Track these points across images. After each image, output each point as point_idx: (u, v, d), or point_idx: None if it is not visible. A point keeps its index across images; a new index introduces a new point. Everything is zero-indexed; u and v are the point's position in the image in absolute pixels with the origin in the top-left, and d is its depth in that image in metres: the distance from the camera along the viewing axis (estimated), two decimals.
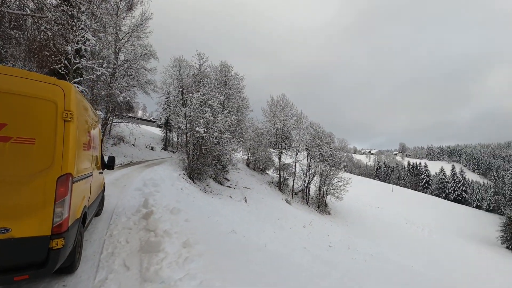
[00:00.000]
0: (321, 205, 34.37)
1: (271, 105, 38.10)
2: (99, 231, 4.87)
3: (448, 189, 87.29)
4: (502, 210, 57.07)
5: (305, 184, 35.17)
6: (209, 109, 18.37)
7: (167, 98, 35.38)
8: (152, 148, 34.47)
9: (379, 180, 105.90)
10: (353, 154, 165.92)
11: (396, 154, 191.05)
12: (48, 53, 9.24)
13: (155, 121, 51.69)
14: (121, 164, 19.18)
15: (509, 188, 60.42)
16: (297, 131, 37.41)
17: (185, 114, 19.01)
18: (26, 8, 7.48)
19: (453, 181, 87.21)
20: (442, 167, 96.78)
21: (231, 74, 27.79)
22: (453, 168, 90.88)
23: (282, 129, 36.76)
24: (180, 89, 22.85)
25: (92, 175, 4.16)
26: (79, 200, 3.21)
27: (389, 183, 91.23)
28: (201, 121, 18.26)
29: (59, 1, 8.97)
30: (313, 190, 36.26)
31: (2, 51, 9.33)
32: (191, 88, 21.96)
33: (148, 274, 3.12)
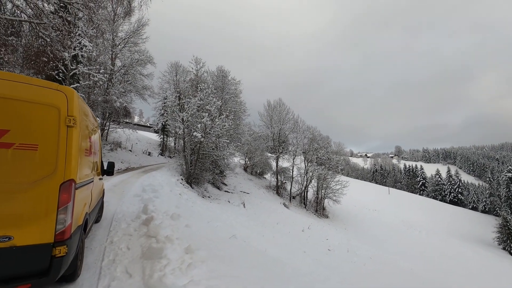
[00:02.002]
0: (319, 209, 34.34)
1: (268, 109, 38.24)
2: (100, 238, 4.81)
3: (444, 191, 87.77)
4: (498, 211, 57.45)
5: (303, 188, 35.16)
6: (207, 114, 18.37)
7: (164, 103, 35.38)
8: (149, 154, 34.28)
9: (376, 183, 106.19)
10: (350, 158, 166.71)
11: (392, 157, 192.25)
12: (45, 59, 9.21)
13: (152, 127, 51.53)
14: (119, 170, 19.04)
15: (504, 189, 60.95)
16: (294, 135, 37.57)
17: (182, 119, 18.98)
18: (24, 15, 7.47)
19: (449, 183, 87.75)
20: (437, 169, 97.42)
21: (228, 79, 27.91)
22: (449, 170, 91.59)
23: (279, 133, 36.84)
24: (177, 94, 22.88)
25: (93, 181, 4.12)
26: (81, 206, 3.18)
27: (385, 186, 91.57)
28: (199, 126, 18.23)
29: (57, 8, 8.98)
30: (311, 194, 36.25)
31: None
32: (188, 93, 22.00)
33: (152, 281, 3.08)
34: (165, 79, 34.48)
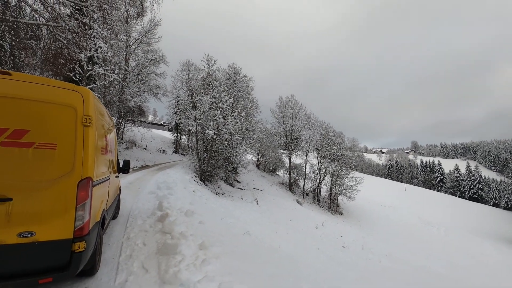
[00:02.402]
0: (333, 206, 34.01)
1: (280, 105, 38.02)
2: (117, 234, 4.95)
3: (464, 187, 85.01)
4: None
5: (316, 185, 34.89)
6: (219, 112, 18.46)
7: (177, 101, 35.85)
8: (164, 152, 34.89)
9: (391, 179, 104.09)
10: (364, 154, 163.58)
11: (408, 153, 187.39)
12: (63, 61, 9.50)
13: (166, 125, 52.35)
14: (134, 167, 19.48)
15: None
16: (307, 132, 37.19)
17: (195, 117, 19.17)
18: (42, 18, 7.72)
19: (468, 179, 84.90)
20: (456, 164, 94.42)
21: (240, 76, 27.91)
22: (468, 166, 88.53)
23: (292, 129, 36.59)
24: (190, 93, 23.08)
25: (109, 178, 4.23)
26: (98, 203, 3.27)
27: (401, 182, 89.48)
28: (211, 123, 18.36)
29: (73, 10, 9.22)
30: (324, 190, 35.94)
31: (18, 60, 9.65)
32: (201, 91, 22.17)
33: (167, 276, 3.15)
34: (177, 77, 34.88)
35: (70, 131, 2.71)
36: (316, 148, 36.57)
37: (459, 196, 79.52)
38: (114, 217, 5.76)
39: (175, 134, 41.62)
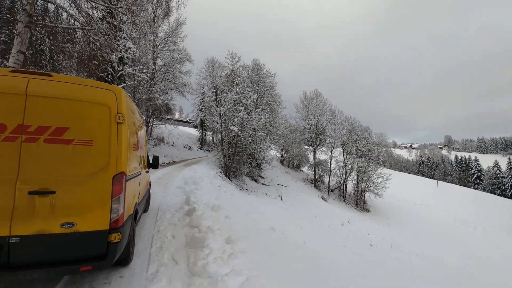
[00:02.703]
0: (360, 202, 33.16)
1: (304, 101, 37.52)
2: (148, 227, 5.19)
3: (504, 185, 79.02)
4: None
5: (342, 181, 34.17)
6: (243, 108, 18.60)
7: (202, 99, 36.52)
8: (190, 148, 35.85)
9: (423, 175, 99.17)
10: (393, 149, 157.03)
11: (441, 148, 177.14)
12: (96, 63, 10.05)
13: (191, 122, 53.69)
14: (162, 163, 20.21)
15: None
16: (332, 127, 36.41)
17: (219, 113, 19.45)
18: (77, 23, 8.21)
19: (510, 176, 78.72)
20: (496, 160, 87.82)
21: (263, 72, 27.86)
22: (510, 162, 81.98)
23: (316, 125, 36.01)
24: (214, 90, 23.43)
25: (140, 174, 4.43)
26: (131, 197, 3.45)
27: (434, 179, 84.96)
28: (235, 120, 18.55)
29: (104, 14, 9.69)
30: (350, 187, 35.12)
31: (57, 63, 10.33)
32: (225, 88, 22.43)
33: (196, 268, 3.26)
34: (202, 75, 35.40)
35: (105, 128, 2.88)
36: (341, 144, 35.74)
37: (499, 195, 73.98)
38: (145, 210, 6.03)
39: (200, 130, 42.57)
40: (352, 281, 5.41)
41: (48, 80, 2.78)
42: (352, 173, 34.02)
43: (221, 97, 20.45)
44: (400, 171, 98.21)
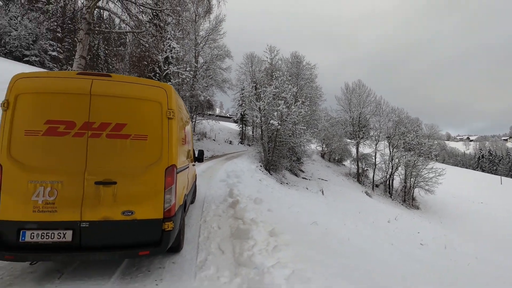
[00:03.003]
0: (408, 199, 31.13)
1: (346, 92, 36.04)
2: (195, 217, 5.50)
3: None
4: None
5: (388, 176, 32.33)
6: (283, 102, 18.48)
7: (241, 94, 37.15)
8: (230, 142, 36.78)
9: (483, 171, 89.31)
10: (446, 142, 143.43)
11: (505, 140, 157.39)
12: (146, 63, 10.77)
13: (231, 117, 54.93)
14: (205, 157, 21.03)
15: None
16: (377, 119, 34.46)
17: (259, 108, 19.58)
18: (128, 27, 8.88)
19: None
20: None
21: (303, 64, 27.30)
22: None
23: (359, 117, 34.42)
24: (254, 84, 23.60)
25: (188, 167, 4.69)
26: (181, 189, 3.68)
27: (496, 174, 76.02)
28: (275, 114, 18.53)
29: (151, 17, 10.32)
30: (397, 182, 33.11)
31: (111, 66, 11.26)
32: (264, 82, 22.48)
33: (242, 259, 3.37)
34: (241, 70, 36.01)
35: (157, 123, 3.09)
36: (387, 137, 33.73)
37: None
38: (192, 202, 6.38)
39: (241, 125, 43.38)
40: (402, 281, 5.14)
41: (108, 80, 3.07)
42: (399, 168, 32.00)
43: (260, 92, 20.55)
44: (455, 165, 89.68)
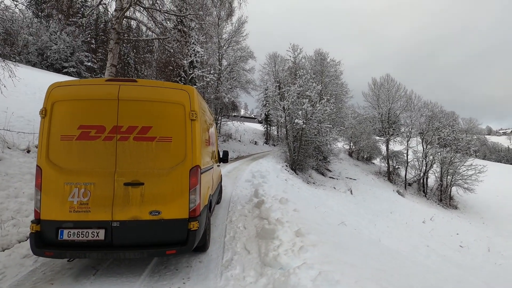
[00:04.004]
0: (444, 198, 29.29)
1: (374, 88, 34.66)
2: (221, 217, 5.57)
3: None
4: None
5: (421, 174, 30.65)
6: (307, 100, 18.20)
7: (265, 94, 37.16)
8: (255, 143, 36.90)
9: None
10: (487, 136, 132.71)
11: None
12: (171, 68, 11.14)
13: (256, 118, 55.17)
14: (231, 158, 21.29)
15: None
16: (408, 114, 32.73)
17: (283, 107, 19.45)
18: (154, 34, 9.26)
19: None
20: None
21: (327, 61, 26.73)
22: None
23: (389, 113, 32.94)
24: (277, 84, 23.47)
25: (213, 167, 4.76)
26: (205, 189, 3.74)
27: None
28: (300, 112, 18.29)
29: (175, 24, 10.66)
30: (432, 181, 31.29)
31: (140, 73, 11.77)
32: (288, 81, 22.27)
33: (268, 259, 3.35)
34: (264, 71, 35.94)
35: (181, 125, 3.17)
36: (420, 133, 31.99)
37: None
38: (218, 202, 6.47)
39: (265, 125, 43.41)
40: (442, 286, 4.82)
41: (134, 85, 3.21)
42: (434, 165, 30.18)
43: (284, 91, 20.39)
44: (497, 161, 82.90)
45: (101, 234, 2.89)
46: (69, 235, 2.86)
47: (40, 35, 24.70)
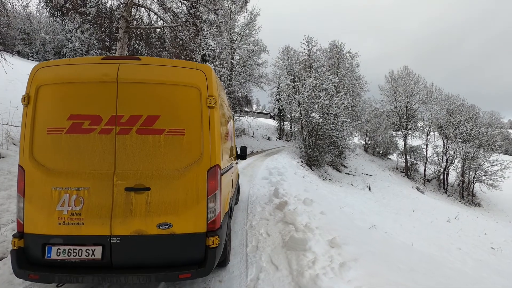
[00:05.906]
0: (467, 195, 27.99)
1: (391, 81, 33.37)
2: (240, 221, 4.97)
3: None
4: None
5: (441, 170, 29.38)
6: (323, 93, 17.40)
7: (278, 88, 36.42)
8: (269, 138, 36.27)
9: None
10: (510, 131, 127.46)
11: None
12: (184, 58, 10.63)
13: (268, 113, 54.44)
14: None
15: None
16: (427, 108, 31.32)
17: (298, 101, 18.72)
18: (165, 23, 8.74)
19: None
20: None
21: (343, 53, 25.77)
22: None
23: (406, 107, 31.67)
24: (292, 77, 22.71)
25: (232, 166, 4.11)
26: (226, 193, 3.08)
27: None
28: (316, 106, 17.52)
29: (186, 11, 10.12)
30: (453, 177, 29.97)
31: None
32: (302, 75, 21.51)
33: (303, 280, 2.70)
34: (277, 65, 35.23)
35: (196, 114, 2.49)
36: (439, 127, 30.59)
37: None
38: (236, 203, 5.86)
39: (278, 121, 42.71)
40: None
41: (137, 64, 2.52)
42: (455, 161, 28.84)
43: (299, 84, 19.66)
44: None
45: (98, 252, 2.30)
46: (58, 254, 2.27)
47: (56, 33, 24.79)
